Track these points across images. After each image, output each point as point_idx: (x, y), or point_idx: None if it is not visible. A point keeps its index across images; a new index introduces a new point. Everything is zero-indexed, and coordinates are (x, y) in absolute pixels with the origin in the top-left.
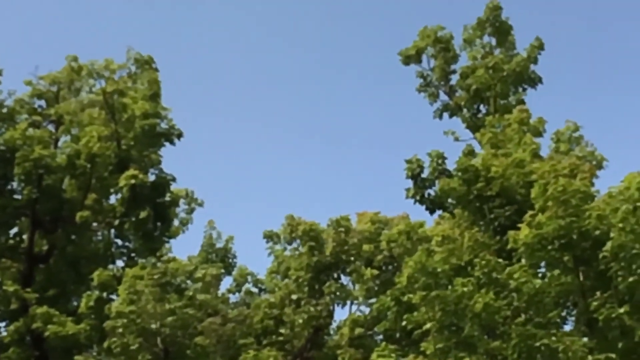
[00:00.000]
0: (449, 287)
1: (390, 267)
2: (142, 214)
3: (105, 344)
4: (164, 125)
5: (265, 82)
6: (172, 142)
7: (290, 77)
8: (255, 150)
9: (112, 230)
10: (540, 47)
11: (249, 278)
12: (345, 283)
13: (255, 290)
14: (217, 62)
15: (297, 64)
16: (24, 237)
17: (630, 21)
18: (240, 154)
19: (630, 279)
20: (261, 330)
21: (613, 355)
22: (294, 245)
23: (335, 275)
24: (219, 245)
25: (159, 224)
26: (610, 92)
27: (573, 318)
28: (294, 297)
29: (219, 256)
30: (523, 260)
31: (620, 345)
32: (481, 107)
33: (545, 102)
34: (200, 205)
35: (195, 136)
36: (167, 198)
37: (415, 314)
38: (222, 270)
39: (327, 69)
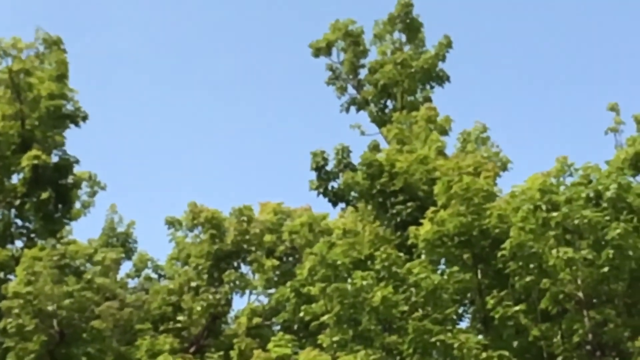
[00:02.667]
0: (349, 280)
1: (291, 259)
2: (44, 195)
3: (1, 325)
4: (69, 107)
5: (170, 67)
6: (77, 124)
7: (197, 64)
8: (160, 137)
9: (13, 210)
10: (449, 45)
11: (149, 264)
12: (245, 272)
13: (154, 276)
14: (125, 46)
15: (206, 51)
16: None
17: (539, 23)
18: (145, 139)
19: (527, 279)
20: (159, 316)
21: (506, 353)
22: (196, 232)
23: (236, 264)
24: (120, 229)
25: (60, 205)
26: (517, 94)
27: (470, 315)
28: (193, 284)
29: (120, 240)
30: (423, 256)
31: (514, 343)
32: (388, 102)
33: (452, 100)
34: (103, 188)
35: (100, 119)
36: (70, 180)
37: (313, 305)
38: (122, 255)
39: (234, 57)
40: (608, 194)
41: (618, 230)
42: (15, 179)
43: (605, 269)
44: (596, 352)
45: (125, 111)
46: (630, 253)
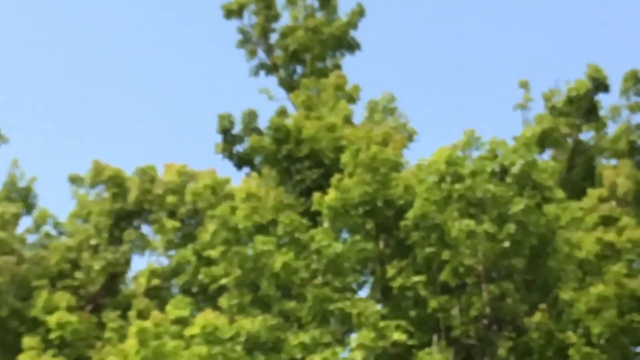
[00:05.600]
0: (250, 244)
1: (193, 221)
2: None
3: None
4: None
5: (80, 21)
6: None
7: (106, 20)
8: (66, 93)
9: None
10: (361, 13)
11: (50, 220)
12: (146, 233)
13: (54, 232)
14: None
15: (115, 6)
16: None
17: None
18: (50, 95)
19: (428, 250)
20: (56, 273)
21: (404, 323)
22: (98, 190)
23: (137, 224)
24: (22, 184)
25: None
26: (427, 66)
27: (370, 285)
28: (92, 242)
29: (20, 195)
30: (326, 224)
31: (413, 314)
32: (298, 68)
33: (362, 69)
34: (5, 142)
35: (7, 71)
36: None
37: (213, 268)
38: (22, 210)
39: (145, 13)
40: (513, 169)
41: (521, 206)
42: None
43: (506, 244)
44: (493, 325)
45: (30, 64)
46: (532, 229)
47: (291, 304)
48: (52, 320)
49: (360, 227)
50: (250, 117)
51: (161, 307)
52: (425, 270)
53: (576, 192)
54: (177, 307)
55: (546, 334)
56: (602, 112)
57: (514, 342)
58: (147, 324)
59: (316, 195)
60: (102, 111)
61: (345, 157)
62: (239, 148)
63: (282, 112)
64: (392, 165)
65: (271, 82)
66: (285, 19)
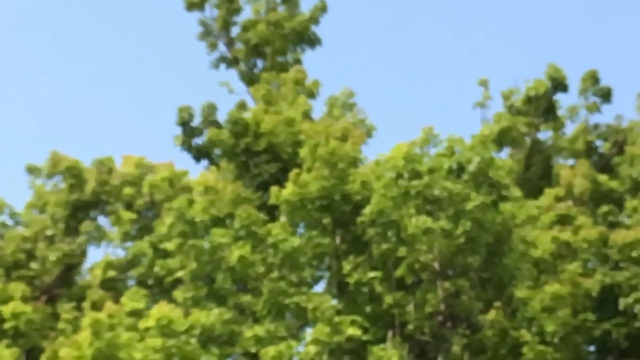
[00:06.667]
0: (207, 237)
1: (149, 213)
2: None
3: None
4: None
5: (39, 10)
6: None
7: (65, 10)
8: (25, 82)
9: None
10: (323, 9)
11: (6, 210)
12: (102, 224)
13: (10, 222)
14: None
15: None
16: None
17: None
18: (9, 84)
19: (385, 246)
20: (12, 263)
21: (359, 319)
22: (55, 181)
23: (93, 215)
24: None
25: None
26: (388, 63)
27: (326, 280)
28: (48, 232)
29: None
30: (284, 218)
31: (368, 309)
32: (258, 62)
33: (322, 64)
34: None
35: None
36: None
37: (169, 261)
38: None
39: (104, 3)
40: (470, 167)
41: (476, 203)
42: None
43: (462, 240)
44: (447, 322)
45: None
46: (488, 227)
47: (247, 298)
48: (6, 310)
49: (317, 222)
50: (210, 110)
51: (116, 299)
52: (381, 266)
53: (533, 191)
54: (133, 299)
55: (500, 331)
56: (560, 112)
57: (468, 339)
58: (101, 315)
59: (274, 189)
60: (60, 101)
61: (303, 152)
62: (198, 141)
63: (242, 106)
64: (351, 160)
65: (232, 75)
66: (247, 13)
